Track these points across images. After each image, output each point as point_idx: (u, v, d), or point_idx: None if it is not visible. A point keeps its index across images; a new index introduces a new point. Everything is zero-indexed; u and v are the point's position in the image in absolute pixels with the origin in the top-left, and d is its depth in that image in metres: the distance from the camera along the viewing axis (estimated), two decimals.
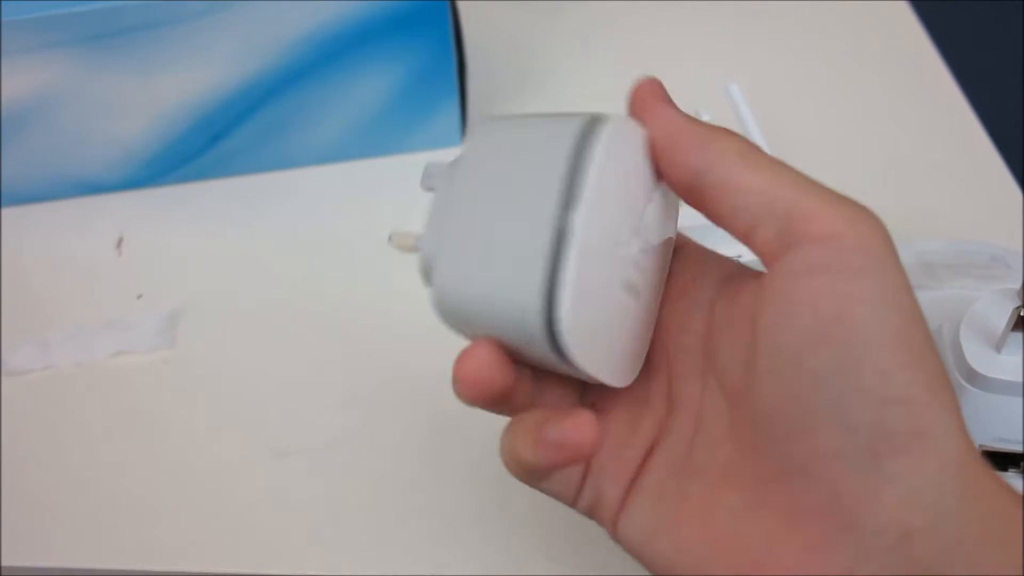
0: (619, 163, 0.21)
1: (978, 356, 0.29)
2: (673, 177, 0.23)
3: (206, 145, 0.45)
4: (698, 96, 0.46)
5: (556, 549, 0.31)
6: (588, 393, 0.25)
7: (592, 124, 0.21)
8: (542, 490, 0.25)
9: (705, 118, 0.35)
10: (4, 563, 0.31)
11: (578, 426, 0.21)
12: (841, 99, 0.50)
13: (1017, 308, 0.28)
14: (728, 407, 0.23)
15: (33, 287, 0.41)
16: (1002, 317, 0.29)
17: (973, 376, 0.29)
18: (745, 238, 0.22)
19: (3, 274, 0.42)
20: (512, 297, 0.20)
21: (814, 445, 0.20)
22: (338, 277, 0.41)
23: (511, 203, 0.20)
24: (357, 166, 0.47)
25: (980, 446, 0.30)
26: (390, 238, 0.24)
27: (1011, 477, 0.30)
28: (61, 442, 0.35)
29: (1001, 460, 0.30)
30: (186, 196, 0.45)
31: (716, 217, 0.22)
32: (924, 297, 0.35)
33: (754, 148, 0.22)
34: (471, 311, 0.21)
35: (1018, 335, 0.29)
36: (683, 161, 0.22)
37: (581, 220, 0.20)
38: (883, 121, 0.48)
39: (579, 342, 0.20)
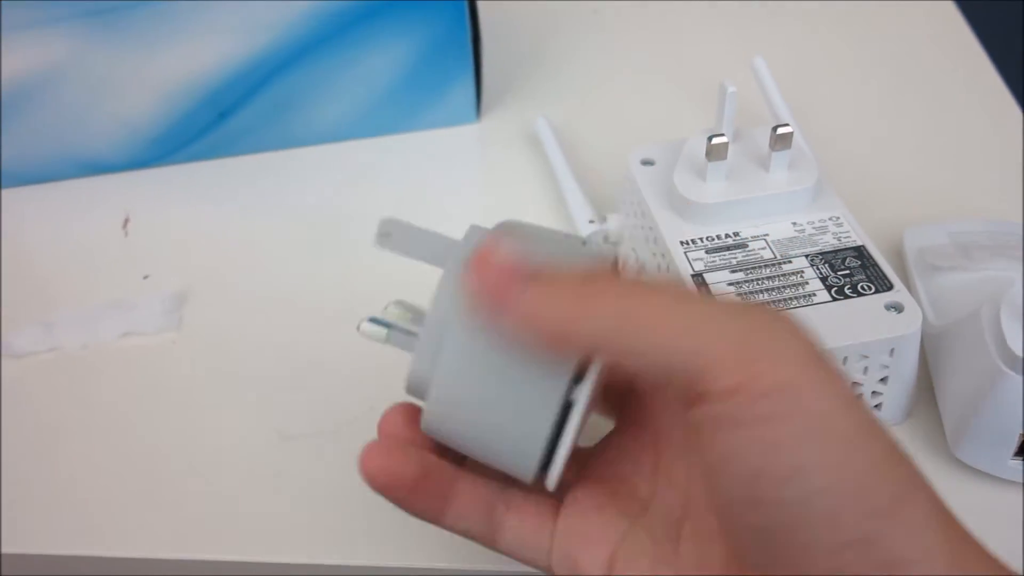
0: None
1: (1020, 340, 0.28)
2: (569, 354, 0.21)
3: (213, 123, 0.44)
4: (723, 70, 0.44)
5: None
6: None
7: None
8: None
9: (730, 90, 0.34)
10: (5, 550, 0.30)
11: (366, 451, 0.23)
12: (871, 78, 0.48)
13: None
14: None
15: (38, 268, 0.40)
16: None
17: (1014, 361, 0.28)
18: (658, 390, 0.22)
19: (7, 255, 0.41)
20: (518, 442, 0.22)
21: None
22: (348, 258, 0.39)
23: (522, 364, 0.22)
24: (368, 144, 0.45)
25: (1022, 435, 0.28)
26: (359, 328, 0.25)
27: None
28: (66, 425, 0.34)
29: None
30: (193, 175, 0.44)
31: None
32: (960, 279, 0.34)
33: (639, 297, 0.20)
34: (464, 431, 0.23)
35: None
36: (574, 345, 0.21)
37: (584, 396, 0.22)
38: (915, 100, 0.47)
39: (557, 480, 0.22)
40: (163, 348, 0.36)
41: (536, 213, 0.41)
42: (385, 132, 0.46)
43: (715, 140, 0.32)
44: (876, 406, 0.31)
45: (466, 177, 0.44)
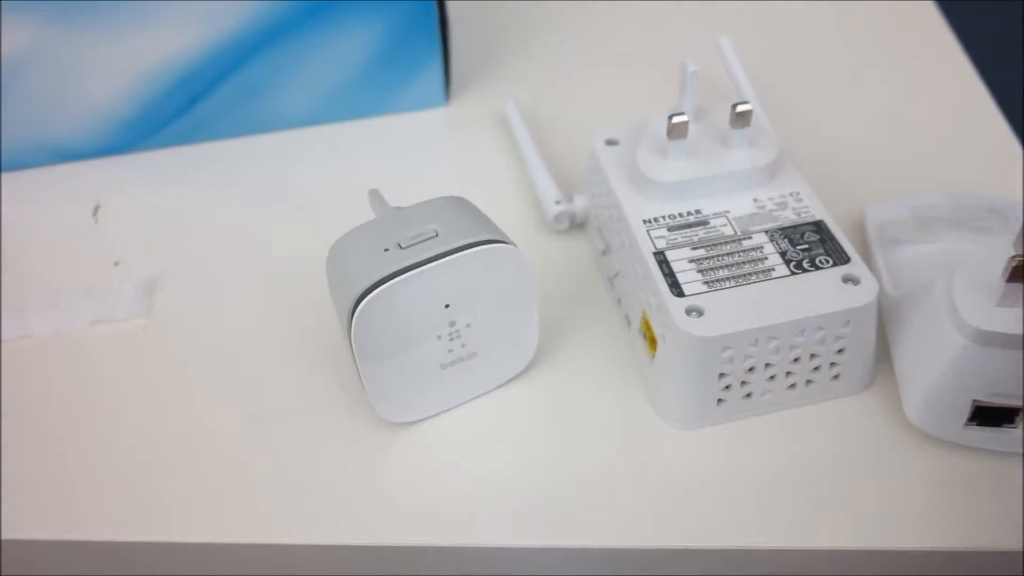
0: None
1: (973, 309, 0.28)
2: None
3: (183, 108, 0.44)
4: (693, 48, 0.44)
5: (558, 516, 0.30)
6: None
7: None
8: None
9: (691, 69, 0.34)
10: None
11: None
12: (835, 55, 0.49)
13: (1013, 257, 0.27)
14: None
15: (8, 255, 0.40)
16: (998, 268, 0.28)
17: (967, 330, 0.28)
18: None
19: None
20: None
21: None
22: (318, 243, 0.39)
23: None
24: (338, 129, 0.45)
25: (974, 402, 0.29)
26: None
27: (1004, 432, 0.30)
28: (38, 411, 0.34)
29: (996, 416, 0.29)
30: (163, 162, 0.44)
31: None
32: (919, 251, 0.34)
33: None
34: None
35: (1016, 286, 0.28)
36: None
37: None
38: (879, 75, 0.47)
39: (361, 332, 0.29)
40: (134, 335, 0.37)
41: (504, 195, 0.41)
42: (354, 116, 0.46)
43: (675, 119, 0.33)
44: (834, 377, 0.32)
45: (436, 160, 0.45)
